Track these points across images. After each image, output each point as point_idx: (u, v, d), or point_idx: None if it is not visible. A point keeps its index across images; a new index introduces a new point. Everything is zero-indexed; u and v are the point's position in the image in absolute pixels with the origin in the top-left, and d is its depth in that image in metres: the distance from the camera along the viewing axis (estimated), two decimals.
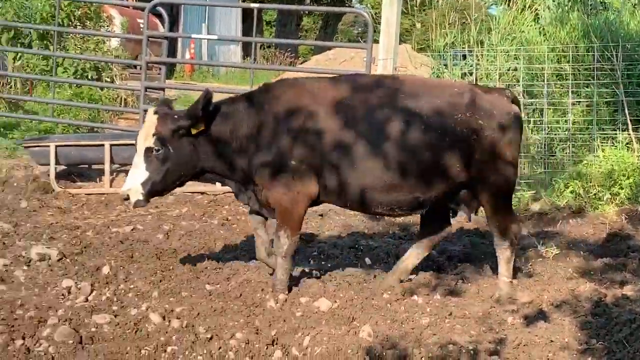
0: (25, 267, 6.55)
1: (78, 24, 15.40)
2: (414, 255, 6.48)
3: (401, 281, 6.38)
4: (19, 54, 14.67)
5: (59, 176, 9.90)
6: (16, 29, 14.62)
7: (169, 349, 5.02)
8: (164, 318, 5.48)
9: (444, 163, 5.97)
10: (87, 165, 10.35)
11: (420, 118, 5.92)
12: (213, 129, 5.94)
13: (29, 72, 14.66)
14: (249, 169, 6.02)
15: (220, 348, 5.02)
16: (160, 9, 11.53)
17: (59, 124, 12.50)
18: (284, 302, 5.80)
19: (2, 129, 12.51)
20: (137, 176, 5.86)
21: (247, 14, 32.72)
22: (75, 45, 14.90)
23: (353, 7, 36.89)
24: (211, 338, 5.19)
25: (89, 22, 15.68)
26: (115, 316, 5.49)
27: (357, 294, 6.09)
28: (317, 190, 5.99)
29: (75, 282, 6.12)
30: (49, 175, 9.79)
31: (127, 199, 5.90)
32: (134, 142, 6.10)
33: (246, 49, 31.60)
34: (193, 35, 22.88)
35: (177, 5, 24.35)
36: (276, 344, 5.15)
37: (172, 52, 20.54)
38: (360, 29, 43.09)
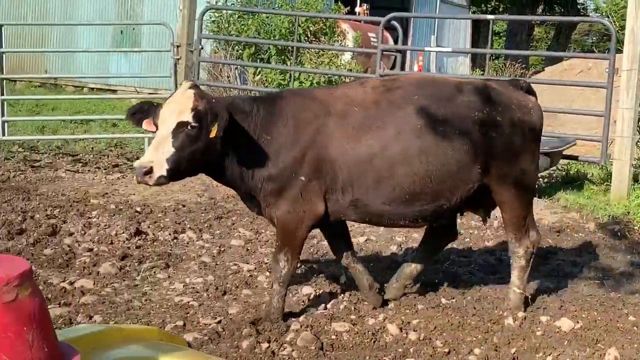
0: (267, 274, 6.84)
1: (313, 39, 15.93)
2: (413, 266, 6.22)
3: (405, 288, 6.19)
4: (259, 69, 15.40)
5: None
6: (257, 45, 15.36)
7: None
8: (401, 330, 5.52)
9: (466, 165, 5.54)
10: None
11: (437, 119, 5.52)
12: (233, 128, 5.38)
13: (268, 86, 15.35)
14: (252, 181, 5.53)
15: None
16: (395, 23, 11.68)
17: None
18: (523, 320, 5.65)
19: None
20: (163, 151, 5.16)
21: (476, 25, 32.48)
22: (311, 59, 15.42)
23: (589, 15, 35.52)
24: (449, 352, 5.17)
25: (323, 37, 16.17)
26: (354, 325, 5.59)
27: (600, 315, 5.83)
28: (324, 209, 5.55)
29: (315, 290, 6.31)
30: None
31: (149, 172, 5.10)
32: None
33: (474, 60, 31.34)
34: (426, 48, 23.00)
35: (407, 18, 24.58)
36: None
37: (401, 64, 20.73)
38: (595, 39, 41.42)
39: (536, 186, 6.12)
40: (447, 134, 5.48)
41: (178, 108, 5.20)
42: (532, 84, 6.16)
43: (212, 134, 5.19)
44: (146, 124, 5.39)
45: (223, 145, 5.34)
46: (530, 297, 6.05)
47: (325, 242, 7.98)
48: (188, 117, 5.15)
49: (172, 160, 5.15)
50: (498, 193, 5.74)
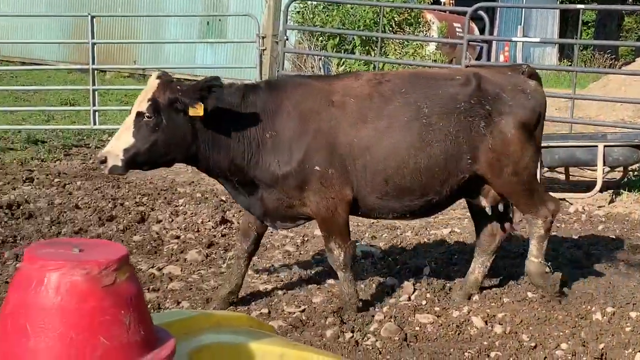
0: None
1: (398, 29, 15.86)
2: (478, 265, 6.08)
3: (471, 296, 5.97)
4: (343, 59, 15.42)
5: None
6: (341, 36, 15.38)
7: (492, 354, 5.00)
8: (486, 323, 5.47)
9: (453, 155, 5.46)
10: None
11: (424, 111, 5.44)
12: (215, 119, 5.29)
13: None
14: (259, 174, 5.42)
15: (545, 358, 4.91)
16: (482, 13, 11.53)
17: None
18: (612, 316, 5.53)
19: None
20: (121, 140, 5.14)
21: (564, 15, 31.79)
22: (395, 50, 15.36)
23: None
24: (535, 347, 5.10)
25: (408, 28, 16.09)
26: (438, 317, 5.57)
27: None
28: (352, 193, 5.47)
29: (398, 281, 6.30)
30: None
31: (104, 161, 5.13)
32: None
33: (562, 51, 30.70)
34: (513, 38, 22.65)
35: (493, 8, 24.23)
36: (605, 358, 4.93)
37: (487, 54, 20.45)
38: None
39: (538, 169, 5.96)
40: (434, 126, 5.44)
41: (141, 98, 5.19)
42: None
43: (198, 113, 5.12)
44: None
45: (200, 136, 5.27)
46: (563, 283, 5.92)
47: (408, 233, 7.99)
48: (144, 107, 5.13)
49: (129, 150, 5.11)
50: (496, 185, 5.69)
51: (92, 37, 12.40)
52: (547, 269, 5.81)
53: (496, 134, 5.52)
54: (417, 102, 5.48)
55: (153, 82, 5.23)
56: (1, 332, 1.91)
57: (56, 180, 9.69)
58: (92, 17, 12.39)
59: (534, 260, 5.82)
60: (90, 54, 12.43)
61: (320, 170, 5.36)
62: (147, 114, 5.11)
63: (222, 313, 2.84)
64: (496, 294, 6.07)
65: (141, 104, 5.15)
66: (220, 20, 20.37)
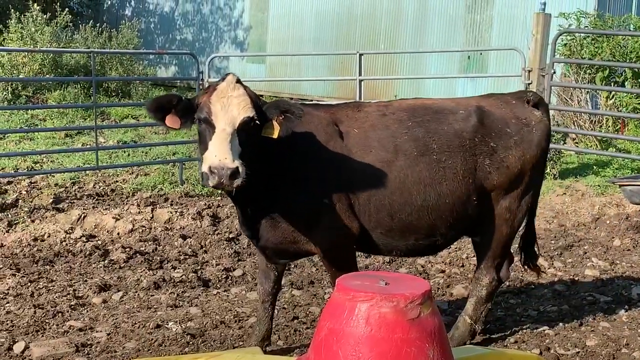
0: (626, 306, 6.53)
1: None
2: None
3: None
4: (612, 93, 14.81)
5: None
6: (611, 68, 14.79)
7: None
8: None
9: (461, 197, 5.18)
10: None
11: (430, 148, 5.15)
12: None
13: (622, 110, 14.70)
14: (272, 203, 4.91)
15: None
16: None
17: None
18: None
19: (594, 167, 12.73)
20: (235, 149, 4.39)
21: None
22: None
23: None
24: None
25: None
26: None
27: None
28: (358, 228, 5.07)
29: None
30: None
31: (236, 174, 4.32)
32: None
33: None
34: None
35: None
36: None
37: None
38: None
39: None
40: (440, 164, 5.17)
41: (237, 103, 4.55)
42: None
43: (275, 134, 4.69)
44: (170, 120, 4.74)
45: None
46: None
47: None
48: (250, 112, 4.54)
49: (244, 160, 4.44)
50: (488, 211, 5.41)
51: (360, 74, 12.84)
52: (475, 334, 5.56)
53: (502, 170, 5.31)
54: (425, 137, 5.20)
55: (240, 90, 4.63)
56: (316, 357, 2.03)
57: None
58: (360, 55, 12.85)
59: (467, 320, 5.54)
60: (357, 90, 12.88)
61: (329, 203, 4.97)
62: (256, 119, 4.58)
63: (514, 352, 2.82)
64: None
65: (244, 109, 4.55)
66: (481, 54, 20.30)
